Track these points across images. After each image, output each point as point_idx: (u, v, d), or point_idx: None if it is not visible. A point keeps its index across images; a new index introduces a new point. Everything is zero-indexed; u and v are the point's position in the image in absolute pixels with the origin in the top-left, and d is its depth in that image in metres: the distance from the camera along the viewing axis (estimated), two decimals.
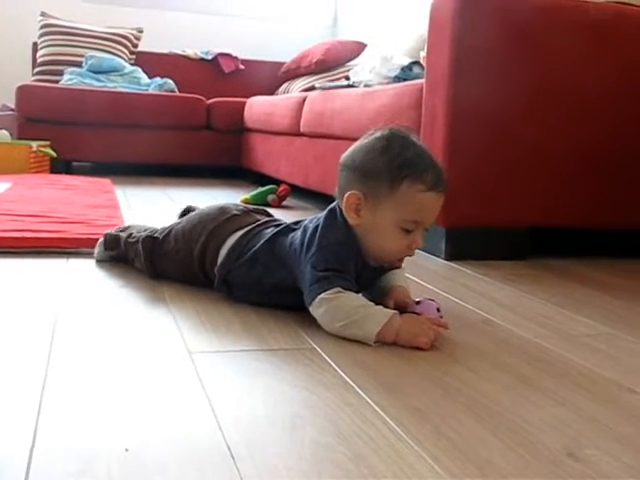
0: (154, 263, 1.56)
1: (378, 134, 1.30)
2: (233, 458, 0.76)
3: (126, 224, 1.82)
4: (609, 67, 2.10)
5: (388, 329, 1.18)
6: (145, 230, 1.63)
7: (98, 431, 0.82)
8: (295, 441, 0.81)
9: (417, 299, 1.34)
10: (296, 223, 1.39)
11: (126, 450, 0.77)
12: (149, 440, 0.80)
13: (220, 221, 1.47)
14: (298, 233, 1.33)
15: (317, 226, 1.29)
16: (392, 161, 1.25)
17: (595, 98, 2.10)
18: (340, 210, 1.31)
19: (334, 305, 1.21)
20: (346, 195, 1.27)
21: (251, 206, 1.59)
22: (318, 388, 0.98)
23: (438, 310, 1.31)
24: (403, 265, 1.42)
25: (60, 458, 0.75)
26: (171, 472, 0.73)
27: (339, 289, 1.21)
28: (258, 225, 1.44)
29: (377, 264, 1.33)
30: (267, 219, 1.50)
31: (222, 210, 1.51)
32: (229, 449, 0.78)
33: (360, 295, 1.25)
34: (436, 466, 0.77)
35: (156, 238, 1.56)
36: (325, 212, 1.33)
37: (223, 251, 1.42)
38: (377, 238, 1.28)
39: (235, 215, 1.49)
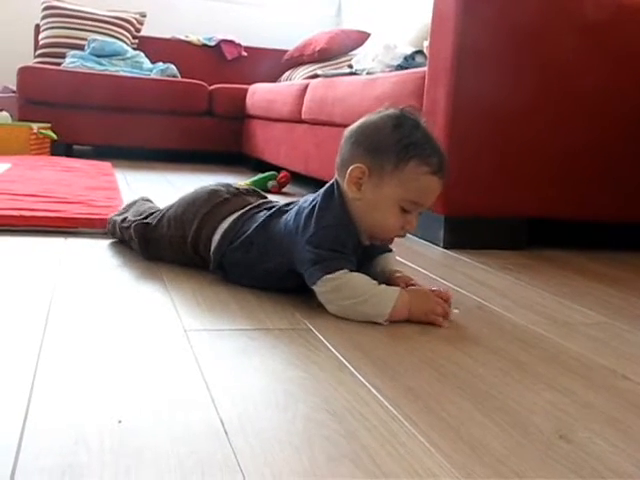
0: (147, 248, 1.56)
1: (389, 112, 1.30)
2: (226, 433, 0.76)
3: (127, 202, 1.82)
4: (609, 60, 2.09)
5: (400, 307, 1.20)
6: (141, 214, 1.63)
7: (92, 404, 0.82)
8: (288, 417, 0.81)
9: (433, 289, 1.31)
10: (287, 205, 1.38)
11: (119, 422, 0.77)
12: (142, 414, 0.80)
13: (212, 205, 1.46)
14: (292, 214, 1.33)
15: (314, 206, 1.29)
16: (401, 140, 1.25)
17: (596, 91, 2.09)
18: (338, 188, 1.30)
19: (343, 284, 1.21)
20: (350, 167, 1.27)
21: (242, 187, 1.57)
22: (312, 367, 0.98)
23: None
24: (394, 249, 1.42)
25: (54, 429, 0.75)
26: (163, 446, 0.73)
27: (346, 270, 1.22)
28: (251, 208, 1.44)
29: (370, 242, 1.33)
30: (260, 202, 1.48)
31: (213, 193, 1.50)
32: (222, 424, 0.78)
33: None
34: (429, 445, 0.77)
35: (148, 224, 1.55)
36: (322, 191, 1.32)
37: (216, 236, 1.42)
38: (375, 214, 1.28)
39: (226, 199, 1.48)
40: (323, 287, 1.23)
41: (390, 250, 1.42)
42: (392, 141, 1.25)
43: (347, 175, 1.28)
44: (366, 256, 1.37)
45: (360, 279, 1.23)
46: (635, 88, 2.13)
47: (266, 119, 3.99)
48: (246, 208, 1.44)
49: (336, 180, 1.32)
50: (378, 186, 1.26)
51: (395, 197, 1.26)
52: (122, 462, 0.69)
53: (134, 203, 1.77)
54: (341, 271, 1.22)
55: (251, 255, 1.36)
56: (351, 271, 1.23)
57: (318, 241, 1.24)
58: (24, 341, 1.02)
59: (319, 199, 1.30)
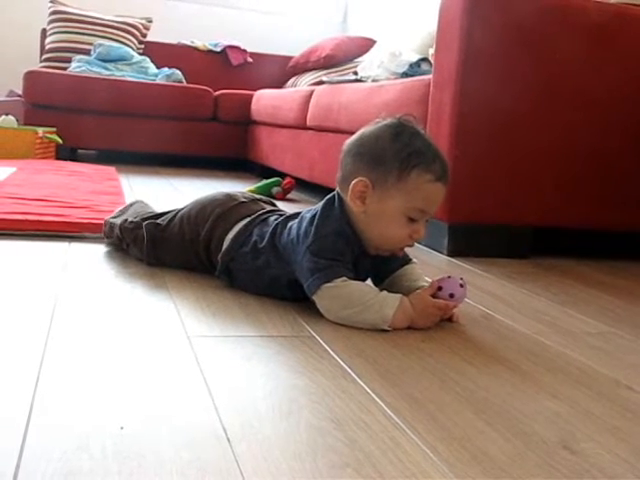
0: (156, 249, 1.55)
1: (387, 122, 1.29)
2: (228, 440, 0.76)
3: (122, 205, 1.82)
4: (613, 66, 2.09)
5: (401, 313, 1.20)
6: (145, 215, 1.62)
7: (94, 410, 0.82)
8: (291, 425, 0.81)
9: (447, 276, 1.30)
10: (297, 215, 1.38)
11: (121, 429, 0.77)
12: (145, 420, 0.80)
13: (228, 207, 1.47)
14: (295, 223, 1.33)
15: (314, 216, 1.29)
16: (402, 149, 1.24)
17: (600, 98, 2.09)
18: (339, 199, 1.30)
19: (344, 293, 1.21)
20: (353, 182, 1.26)
21: (257, 195, 1.59)
22: (315, 375, 0.98)
23: (461, 286, 1.27)
24: (415, 260, 1.41)
25: (56, 434, 0.75)
26: (165, 452, 0.73)
27: (344, 278, 1.22)
28: (262, 214, 1.44)
29: (376, 252, 1.32)
30: (271, 208, 1.50)
31: (230, 196, 1.51)
32: (225, 431, 0.78)
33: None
34: (431, 454, 0.77)
35: (159, 224, 1.55)
36: (323, 202, 1.32)
37: (228, 239, 1.42)
38: (381, 226, 1.27)
39: (243, 202, 1.49)
40: (322, 298, 1.23)
41: (410, 260, 1.40)
42: (393, 151, 1.25)
43: (350, 189, 1.27)
44: (385, 268, 1.37)
45: (359, 287, 1.23)
46: None
47: (271, 125, 4.00)
48: (258, 213, 1.44)
49: (337, 192, 1.32)
50: (383, 198, 1.26)
51: (401, 208, 1.25)
52: (124, 468, 0.69)
53: (130, 206, 1.77)
54: (340, 279, 1.22)
55: (259, 262, 1.36)
56: (349, 278, 1.23)
57: (317, 249, 1.24)
58: (27, 345, 1.02)
59: (319, 209, 1.30)
